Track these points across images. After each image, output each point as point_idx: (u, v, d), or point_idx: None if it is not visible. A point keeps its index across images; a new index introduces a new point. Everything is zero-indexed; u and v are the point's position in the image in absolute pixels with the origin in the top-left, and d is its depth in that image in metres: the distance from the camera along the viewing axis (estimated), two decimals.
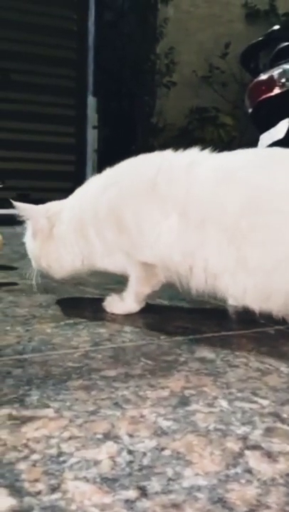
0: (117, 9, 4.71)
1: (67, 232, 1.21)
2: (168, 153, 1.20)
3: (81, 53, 4.10)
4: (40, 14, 3.95)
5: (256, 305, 1.05)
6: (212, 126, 4.68)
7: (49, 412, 0.68)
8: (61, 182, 3.76)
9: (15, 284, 1.48)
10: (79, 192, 1.28)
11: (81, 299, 1.37)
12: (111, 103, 4.56)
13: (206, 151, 1.17)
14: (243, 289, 1.04)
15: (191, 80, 4.76)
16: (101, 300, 1.24)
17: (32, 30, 3.92)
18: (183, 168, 1.12)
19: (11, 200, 1.24)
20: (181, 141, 4.51)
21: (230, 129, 4.69)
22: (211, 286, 1.09)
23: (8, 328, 1.07)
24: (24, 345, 0.96)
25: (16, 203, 1.23)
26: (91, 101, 4.12)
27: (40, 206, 1.28)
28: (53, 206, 1.28)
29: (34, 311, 1.20)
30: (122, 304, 1.21)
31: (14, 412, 0.67)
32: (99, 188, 1.21)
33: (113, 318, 1.16)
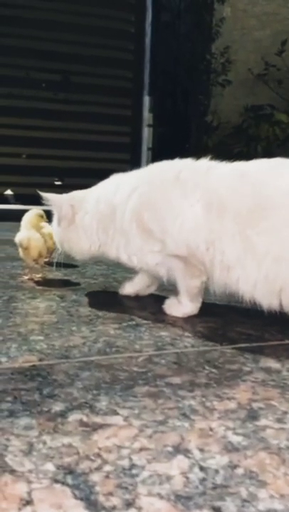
0: (173, 10, 4.68)
1: (90, 221, 1.30)
2: (188, 160, 1.27)
3: (138, 54, 4.09)
4: (99, 17, 3.98)
5: (266, 299, 1.08)
6: (267, 124, 4.55)
7: (118, 419, 0.67)
8: None
9: (77, 284, 1.50)
10: (104, 186, 1.33)
11: (141, 299, 1.36)
12: (166, 102, 4.55)
13: (222, 163, 1.23)
14: (253, 281, 1.07)
15: (246, 78, 4.66)
16: (160, 300, 1.23)
17: (91, 33, 3.95)
18: (203, 168, 1.21)
19: (38, 192, 1.32)
20: (235, 139, 4.43)
21: (285, 126, 4.55)
22: (223, 281, 1.13)
23: (74, 328, 1.08)
24: (90, 347, 0.96)
25: (42, 194, 1.32)
26: (146, 100, 4.12)
27: (65, 195, 1.37)
28: (76, 195, 1.36)
29: (97, 311, 1.21)
30: (181, 306, 1.20)
31: (85, 419, 0.67)
32: (126, 191, 1.24)
33: (174, 321, 1.15)
